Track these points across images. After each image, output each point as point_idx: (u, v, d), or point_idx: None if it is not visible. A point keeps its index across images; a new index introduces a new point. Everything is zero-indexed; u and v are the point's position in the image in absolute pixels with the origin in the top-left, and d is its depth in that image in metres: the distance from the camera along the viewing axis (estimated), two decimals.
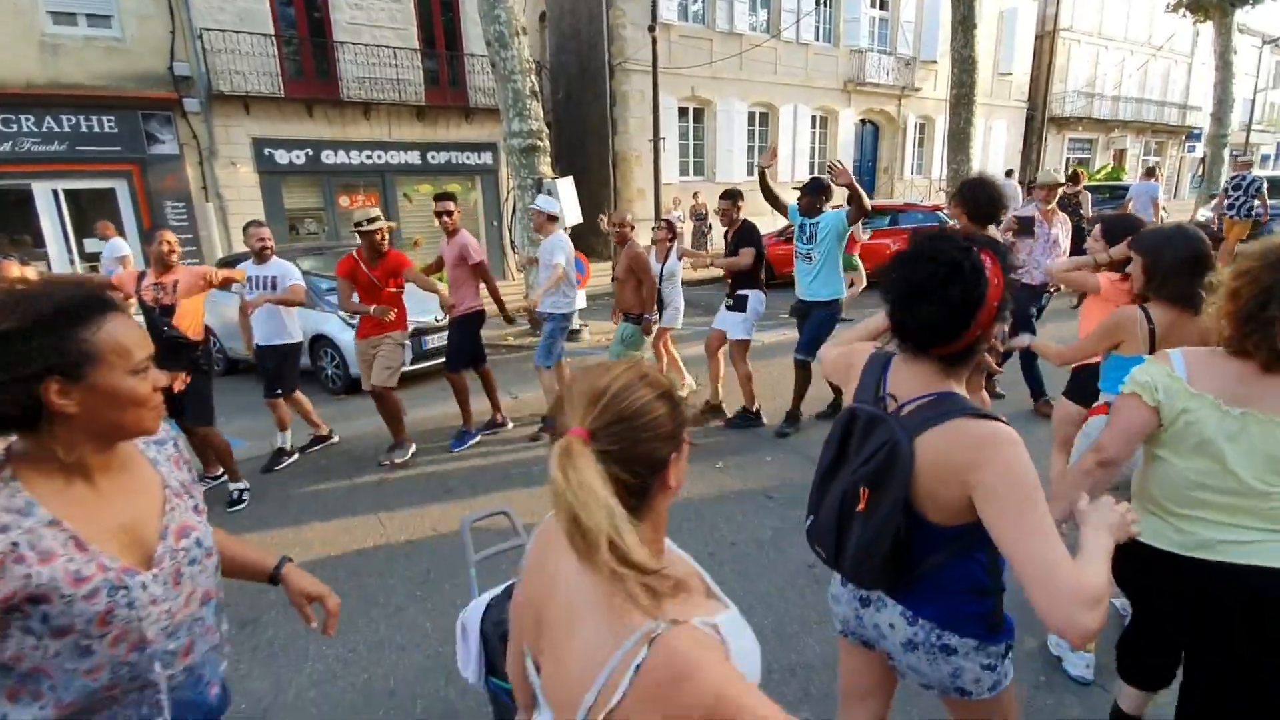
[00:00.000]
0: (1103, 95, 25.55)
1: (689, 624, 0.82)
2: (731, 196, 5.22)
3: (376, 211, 4.77)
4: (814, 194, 4.89)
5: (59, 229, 10.51)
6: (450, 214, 5.06)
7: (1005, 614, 1.43)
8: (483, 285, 5.20)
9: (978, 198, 3.50)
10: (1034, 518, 1.17)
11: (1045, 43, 23.93)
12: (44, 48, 10.02)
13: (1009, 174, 15.82)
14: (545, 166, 8.55)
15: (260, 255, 4.83)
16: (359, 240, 4.76)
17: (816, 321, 4.90)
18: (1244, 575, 1.53)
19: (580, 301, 7.01)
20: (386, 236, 4.72)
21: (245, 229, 5.00)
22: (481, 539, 2.13)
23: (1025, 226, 5.34)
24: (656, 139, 12.87)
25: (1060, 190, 6.02)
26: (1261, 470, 1.50)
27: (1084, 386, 2.99)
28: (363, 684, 2.59)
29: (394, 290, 4.79)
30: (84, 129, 10.42)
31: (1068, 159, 25.81)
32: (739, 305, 5.13)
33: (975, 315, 1.29)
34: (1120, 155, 27.08)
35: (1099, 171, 23.29)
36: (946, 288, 1.28)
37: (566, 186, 8.48)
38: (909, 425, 1.34)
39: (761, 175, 5.11)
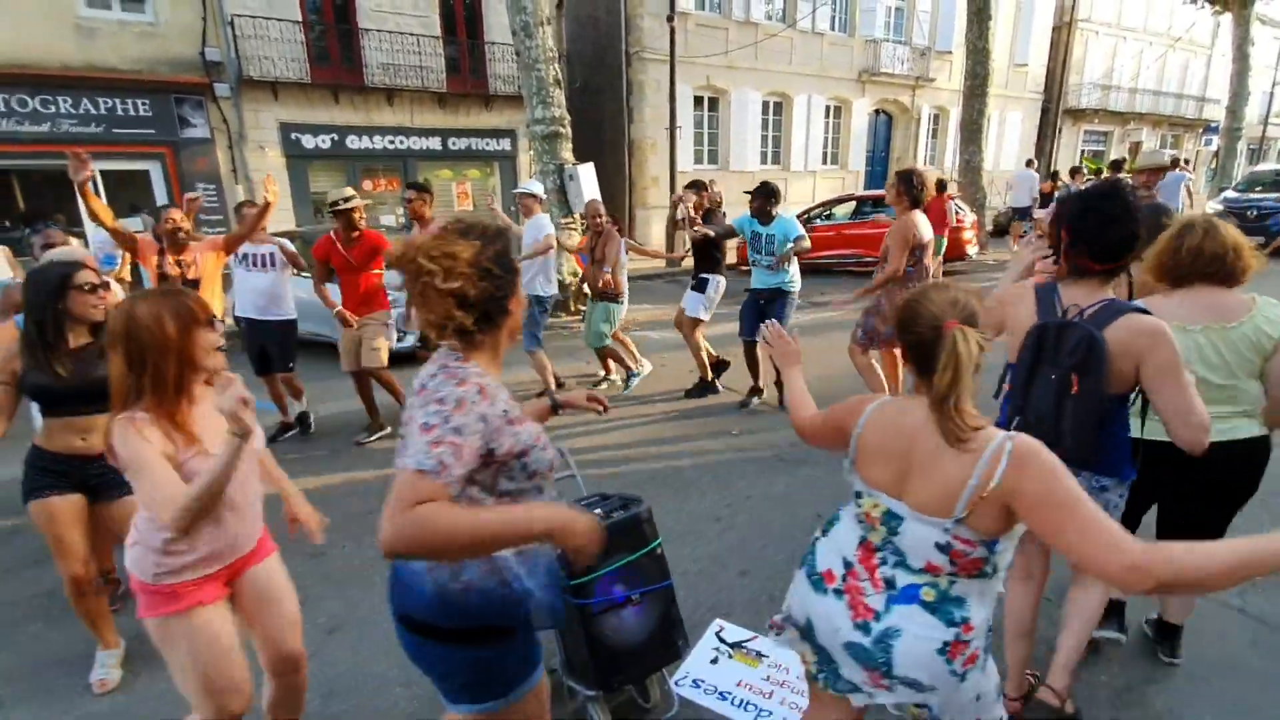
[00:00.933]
0: (1119, 87, 25.49)
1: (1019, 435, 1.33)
2: (697, 186, 5.79)
3: (350, 190, 4.69)
4: (765, 197, 5.05)
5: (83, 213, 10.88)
6: (411, 202, 5.02)
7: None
8: None
9: (911, 182, 4.35)
10: (1184, 378, 1.77)
11: (1062, 34, 23.89)
12: (79, 31, 10.37)
13: (1029, 164, 15.92)
14: (567, 152, 8.85)
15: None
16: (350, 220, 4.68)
17: (780, 308, 5.19)
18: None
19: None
20: (363, 216, 4.66)
21: (238, 208, 5.32)
22: None
23: (1021, 216, 5.71)
24: (673, 127, 13.11)
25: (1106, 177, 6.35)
26: (1221, 369, 2.08)
27: None
28: None
29: (376, 273, 4.78)
30: (119, 112, 10.80)
31: (1082, 151, 25.82)
32: (700, 287, 5.64)
33: (1139, 237, 1.88)
34: (1136, 148, 27.00)
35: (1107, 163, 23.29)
36: (1132, 216, 1.86)
37: (588, 172, 8.78)
38: (1095, 324, 1.82)
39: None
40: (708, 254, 5.60)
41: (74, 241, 6.35)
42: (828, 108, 19.39)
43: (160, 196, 11.36)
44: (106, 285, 2.53)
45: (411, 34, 12.87)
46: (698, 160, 17.40)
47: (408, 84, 13.02)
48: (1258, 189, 13.75)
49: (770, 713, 2.35)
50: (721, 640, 2.68)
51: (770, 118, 18.50)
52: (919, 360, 1.40)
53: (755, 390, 5.53)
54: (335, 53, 12.71)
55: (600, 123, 17.07)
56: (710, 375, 5.79)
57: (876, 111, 20.72)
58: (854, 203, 13.20)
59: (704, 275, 5.61)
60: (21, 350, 2.32)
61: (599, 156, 16.35)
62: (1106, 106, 25.17)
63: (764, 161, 18.60)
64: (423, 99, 13.46)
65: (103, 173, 10.89)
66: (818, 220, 12.87)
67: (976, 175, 13.38)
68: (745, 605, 2.95)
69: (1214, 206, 13.16)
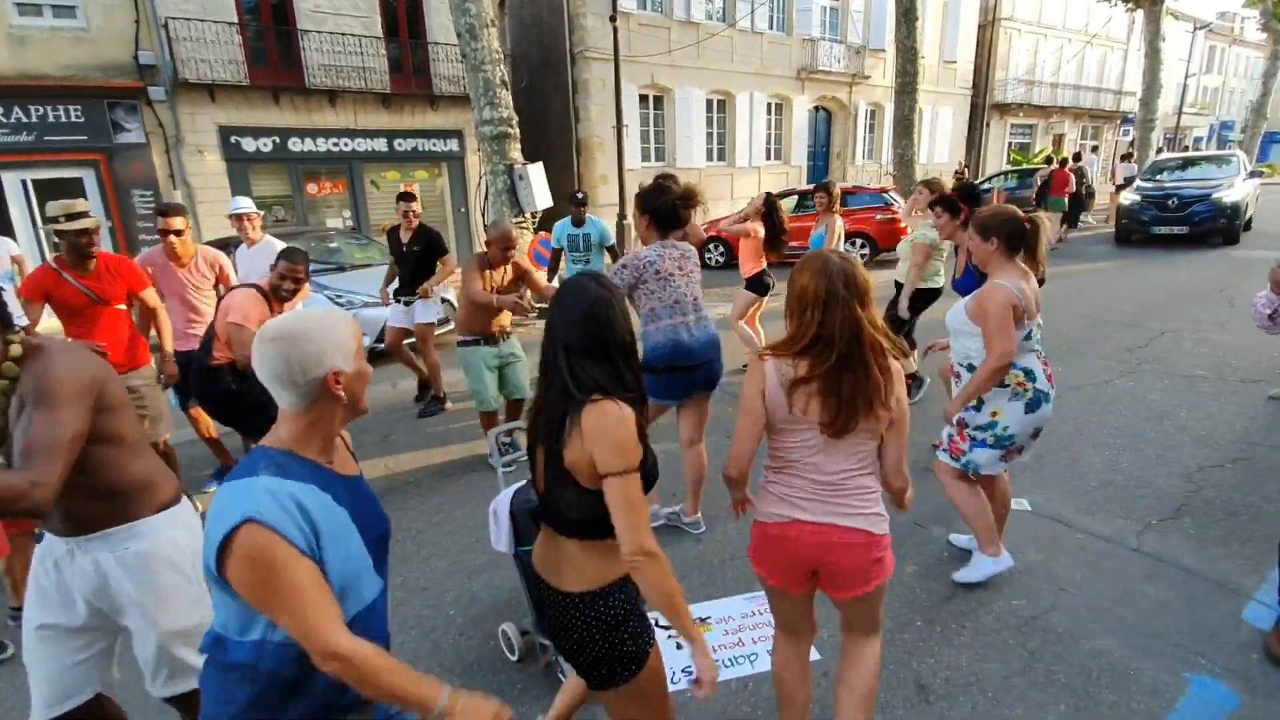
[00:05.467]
0: (1042, 82, 26.80)
1: None
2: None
3: (83, 203, 3.45)
4: (581, 204, 6.04)
5: (28, 218, 10.50)
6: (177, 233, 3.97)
7: None
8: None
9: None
10: None
11: (987, 32, 25.02)
12: (10, 39, 9.98)
13: (1076, 158, 15.87)
14: (516, 153, 8.95)
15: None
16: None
17: None
18: None
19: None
20: (95, 240, 3.43)
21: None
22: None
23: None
24: (619, 126, 13.28)
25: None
26: None
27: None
28: (399, 584, 3.11)
29: (122, 308, 3.59)
30: (51, 119, 10.41)
31: (1010, 144, 27.06)
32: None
33: None
34: (1059, 140, 28.46)
35: (1038, 155, 24.49)
36: None
37: (537, 172, 8.91)
38: None
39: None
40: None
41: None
42: (769, 105, 19.89)
43: (95, 203, 10.99)
44: None
45: (353, 34, 12.73)
46: (645, 158, 17.64)
47: (350, 85, 12.86)
48: (1160, 175, 13.09)
49: (755, 655, 2.62)
50: (665, 627, 2.62)
51: (714, 115, 18.89)
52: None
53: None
54: (274, 54, 12.47)
55: (547, 122, 17.15)
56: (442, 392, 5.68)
57: (816, 108, 21.34)
58: (796, 197, 13.65)
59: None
60: None
61: (547, 156, 16.40)
62: (1030, 101, 26.45)
63: (709, 158, 18.97)
64: (366, 100, 13.32)
65: (35, 181, 10.54)
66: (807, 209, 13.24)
67: (910, 169, 13.99)
68: (699, 567, 3.19)
69: (1131, 198, 12.74)
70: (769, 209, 5.43)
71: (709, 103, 18.52)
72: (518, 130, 9.01)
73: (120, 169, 11.15)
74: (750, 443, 1.81)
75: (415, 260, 5.42)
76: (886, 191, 12.79)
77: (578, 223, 6.00)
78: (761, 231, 5.43)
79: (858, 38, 21.26)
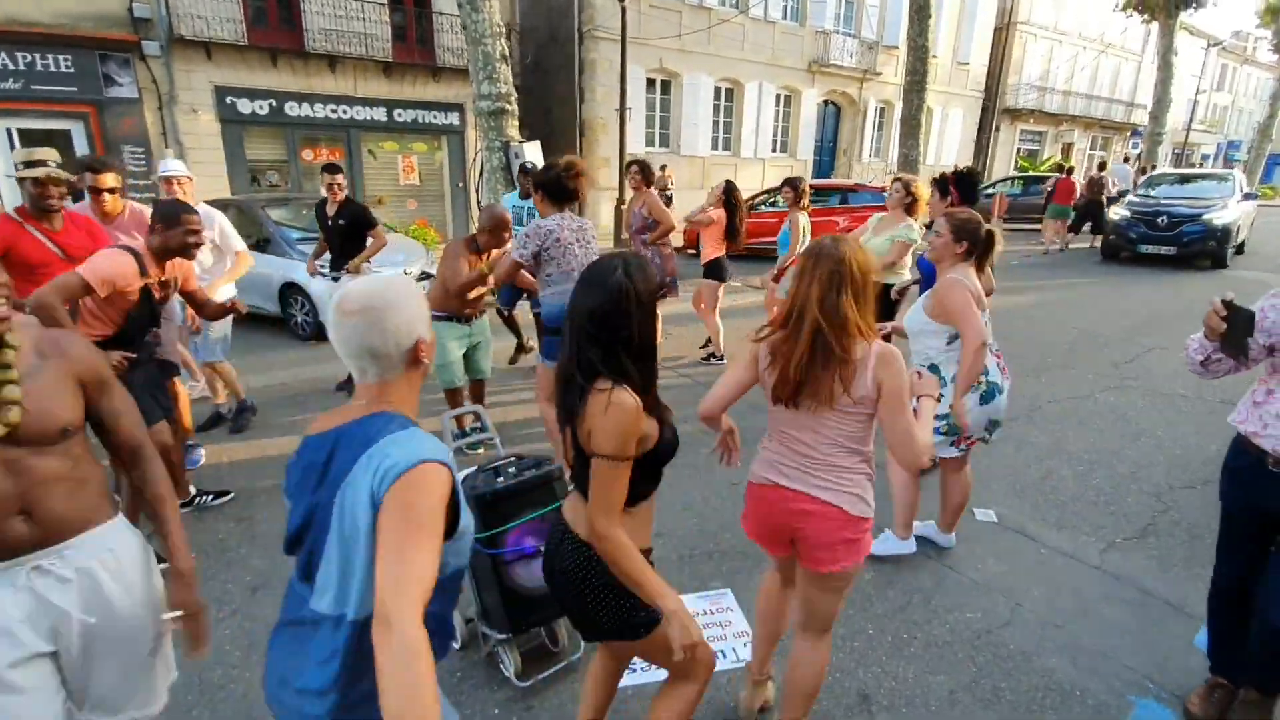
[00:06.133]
0: (1054, 89, 26.60)
1: None
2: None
3: (50, 151, 3.23)
4: (529, 174, 5.81)
5: (11, 169, 10.31)
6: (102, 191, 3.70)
7: None
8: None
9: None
10: None
11: (1003, 35, 24.76)
12: None
13: (1126, 160, 15.95)
14: (513, 130, 8.82)
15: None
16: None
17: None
18: None
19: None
20: (61, 192, 3.21)
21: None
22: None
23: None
24: (623, 108, 13.12)
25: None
26: None
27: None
28: None
29: None
30: (40, 67, 10.21)
31: (1018, 150, 26.90)
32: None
33: None
34: (1068, 149, 28.29)
35: (1045, 162, 24.34)
36: None
37: (534, 151, 8.78)
38: None
39: None
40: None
41: None
42: (778, 96, 19.68)
43: None
44: None
45: None
46: (649, 143, 17.47)
47: (351, 51, 12.66)
48: (1154, 191, 12.56)
49: (729, 650, 2.58)
50: None
51: (722, 103, 18.69)
52: None
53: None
54: (274, 15, 12.24)
55: (551, 100, 16.95)
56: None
57: (825, 102, 21.14)
58: None
59: None
60: None
61: (550, 135, 16.28)
62: (1042, 107, 26.26)
63: (714, 147, 18.80)
64: (367, 67, 13.12)
65: (20, 131, 10.35)
66: (763, 206, 13.14)
67: (914, 169, 13.88)
68: (658, 564, 3.14)
69: (1120, 213, 12.23)
70: (727, 195, 5.55)
71: (717, 90, 18.31)
72: (516, 107, 8.87)
73: (111, 124, 10.97)
74: (726, 390, 1.94)
75: (341, 234, 5.24)
76: (885, 190, 12.68)
77: (525, 195, 5.77)
78: (722, 216, 5.58)
79: (871, 33, 21.02)
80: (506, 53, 8.77)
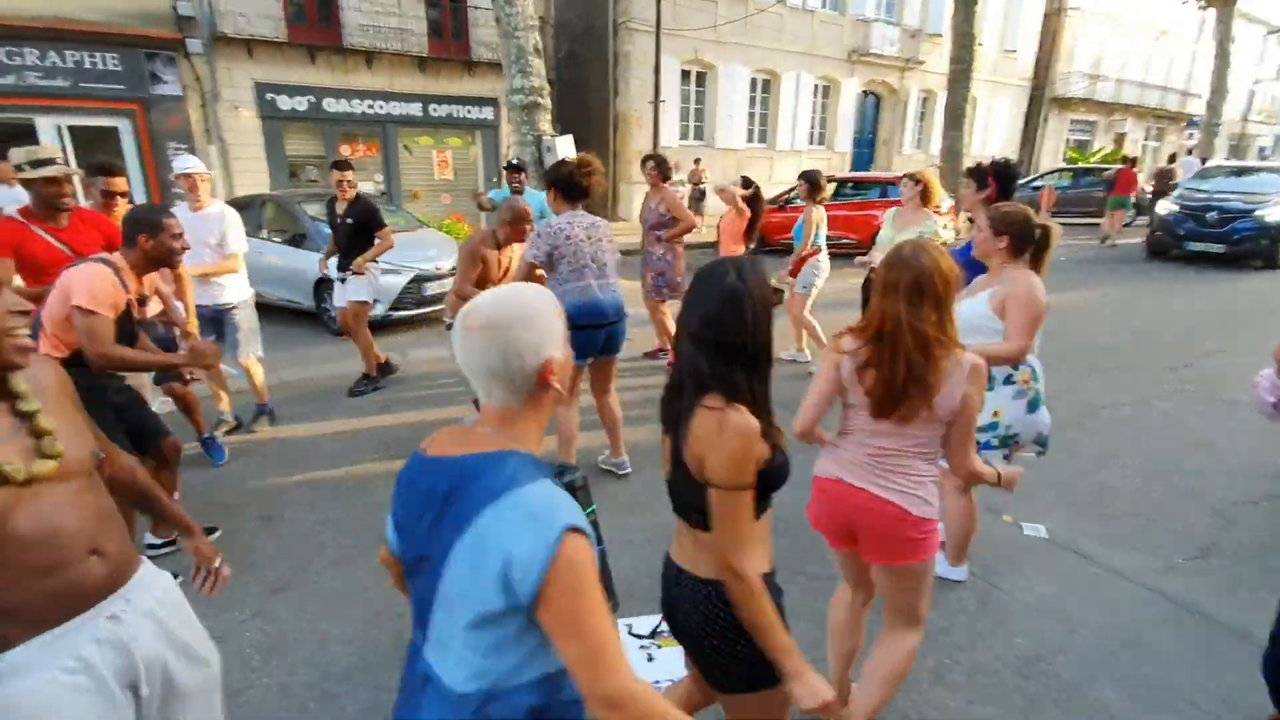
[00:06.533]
0: (1106, 77, 25.55)
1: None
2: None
3: (52, 148, 3.24)
4: (517, 171, 6.04)
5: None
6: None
7: None
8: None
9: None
10: None
11: (1053, 21, 23.85)
12: None
13: (1190, 153, 15.42)
14: (545, 124, 8.74)
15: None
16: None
17: None
18: None
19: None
20: (66, 190, 3.13)
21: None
22: None
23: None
24: (656, 101, 12.99)
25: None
26: None
27: None
28: (374, 567, 3.01)
29: None
30: (87, 65, 10.49)
31: (1068, 140, 25.93)
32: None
33: None
34: (1120, 139, 27.18)
35: (1096, 154, 23.40)
36: None
37: (566, 144, 8.69)
38: None
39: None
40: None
41: None
42: (816, 87, 19.28)
43: (130, 154, 11.12)
44: None
45: None
46: (684, 136, 17.28)
47: (387, 46, 12.75)
48: (1205, 185, 11.50)
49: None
50: (638, 636, 2.56)
51: (758, 95, 18.37)
52: None
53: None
54: (313, 12, 12.39)
55: (586, 94, 16.87)
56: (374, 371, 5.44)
57: (865, 92, 20.65)
58: (834, 185, 13.22)
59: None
60: None
61: (585, 128, 16.20)
62: (1093, 96, 25.26)
63: (750, 140, 18.51)
64: (403, 63, 13.20)
65: (70, 128, 10.66)
66: (798, 200, 12.87)
67: (958, 160, 13.41)
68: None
69: (1167, 207, 11.39)
70: (753, 197, 5.60)
71: (753, 82, 18.01)
72: (549, 100, 8.78)
73: (156, 121, 11.23)
74: (816, 404, 1.92)
75: (349, 232, 5.10)
76: None
77: (517, 193, 5.66)
78: (745, 212, 5.54)
79: (915, 20, 20.44)
80: (540, 46, 8.69)
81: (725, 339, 1.34)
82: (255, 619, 2.74)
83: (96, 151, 10.35)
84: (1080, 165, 19.58)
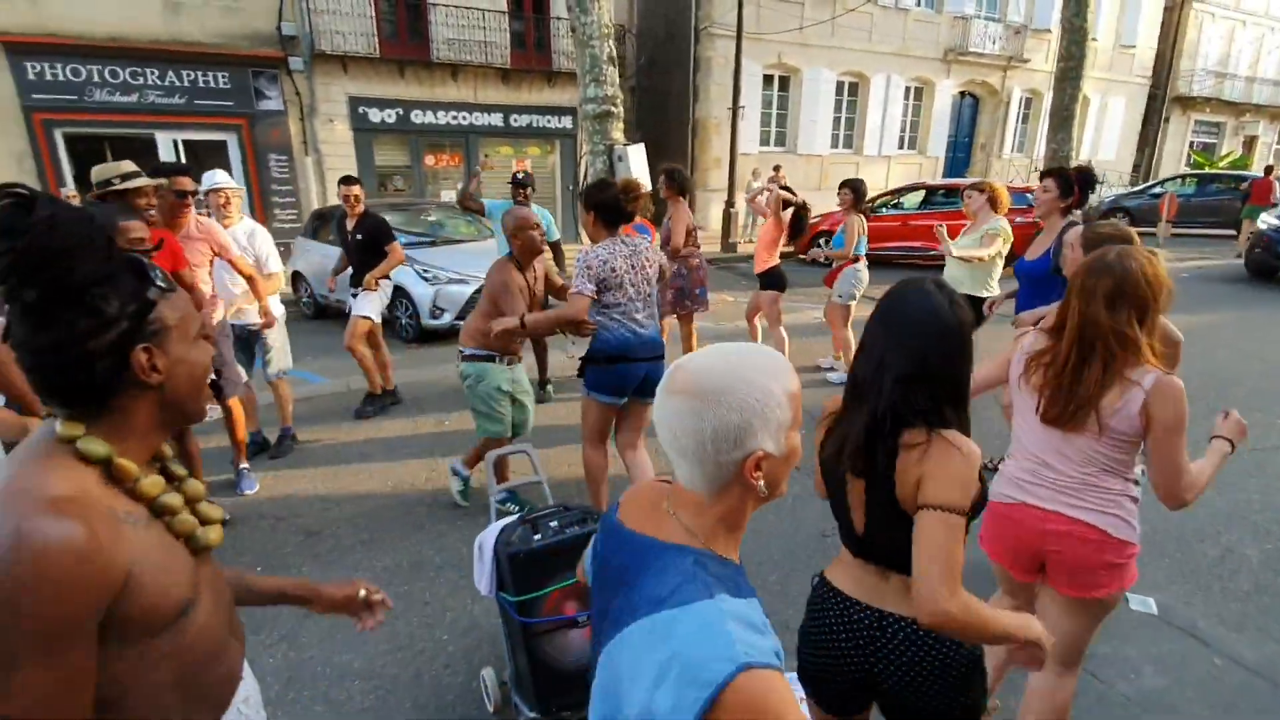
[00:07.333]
0: (1236, 75, 23.19)
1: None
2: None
3: (130, 164, 3.15)
4: (522, 186, 5.61)
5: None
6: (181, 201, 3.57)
7: None
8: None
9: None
10: None
11: (1175, 15, 21.88)
12: (166, 6, 10.84)
13: None
14: (618, 133, 8.66)
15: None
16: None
17: None
18: None
19: None
20: (153, 203, 3.14)
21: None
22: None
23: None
24: (735, 107, 12.69)
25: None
26: None
27: None
28: (404, 594, 2.94)
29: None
30: (201, 84, 11.27)
31: (1191, 144, 23.70)
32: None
33: None
34: (1251, 142, 24.59)
35: (1223, 158, 21.21)
36: None
37: (637, 153, 8.57)
38: None
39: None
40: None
41: None
42: (908, 89, 18.41)
43: (236, 166, 11.85)
44: None
45: (478, 9, 12.87)
46: (764, 142, 16.88)
47: (472, 59, 13.07)
48: None
49: None
50: None
51: (844, 99, 17.72)
52: None
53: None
54: (404, 28, 12.86)
55: (667, 101, 16.78)
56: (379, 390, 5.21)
57: (962, 94, 19.56)
58: (923, 191, 12.51)
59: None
60: None
61: (665, 135, 16.12)
62: (1220, 95, 22.99)
63: (835, 145, 17.88)
64: (486, 74, 13.50)
65: (185, 142, 11.47)
66: (884, 209, 12.26)
67: (1064, 166, 12.41)
68: None
69: (1270, 222, 10.27)
70: (796, 213, 5.33)
71: (839, 85, 17.39)
72: (621, 110, 8.70)
73: (260, 135, 11.93)
74: (980, 382, 1.85)
75: (358, 249, 5.00)
76: (1029, 191, 11.42)
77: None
78: (782, 223, 5.32)
79: (1019, 16, 19.20)
80: (614, 55, 8.62)
81: (938, 370, 1.28)
82: (282, 643, 2.70)
83: (206, 164, 11.09)
84: (1206, 171, 17.78)
